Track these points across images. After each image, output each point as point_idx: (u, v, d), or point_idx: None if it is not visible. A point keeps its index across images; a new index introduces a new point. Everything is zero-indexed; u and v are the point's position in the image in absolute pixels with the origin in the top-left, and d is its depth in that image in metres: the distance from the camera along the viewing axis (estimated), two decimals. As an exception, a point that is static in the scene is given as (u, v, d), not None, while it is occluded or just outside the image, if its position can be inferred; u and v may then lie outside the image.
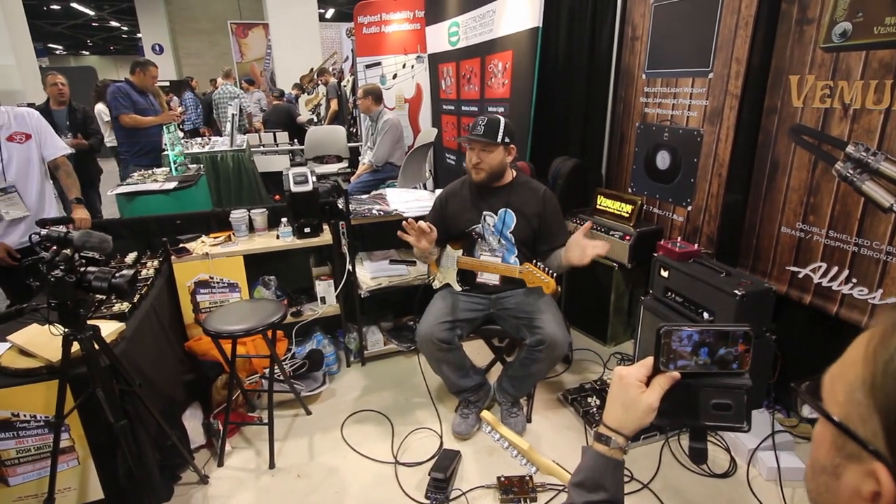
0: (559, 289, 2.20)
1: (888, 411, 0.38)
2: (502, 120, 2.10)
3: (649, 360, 0.77)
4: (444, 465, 1.97)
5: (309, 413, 2.43)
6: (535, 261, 2.06)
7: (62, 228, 1.42)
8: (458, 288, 2.25)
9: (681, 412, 0.75)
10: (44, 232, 1.41)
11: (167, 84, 12.45)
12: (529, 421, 2.34)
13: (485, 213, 2.20)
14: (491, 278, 2.23)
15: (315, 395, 2.53)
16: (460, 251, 2.23)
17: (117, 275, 1.42)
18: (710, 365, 0.74)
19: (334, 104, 7.23)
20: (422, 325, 2.15)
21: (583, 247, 1.90)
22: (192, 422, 2.21)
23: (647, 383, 0.76)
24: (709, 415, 0.74)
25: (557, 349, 2.06)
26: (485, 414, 1.17)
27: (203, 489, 2.01)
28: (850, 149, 1.87)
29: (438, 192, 2.45)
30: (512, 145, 2.13)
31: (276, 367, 2.23)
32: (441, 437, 2.25)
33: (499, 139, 2.08)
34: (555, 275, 2.03)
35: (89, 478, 1.72)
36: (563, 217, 2.29)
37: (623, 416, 0.77)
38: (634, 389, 0.76)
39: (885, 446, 0.38)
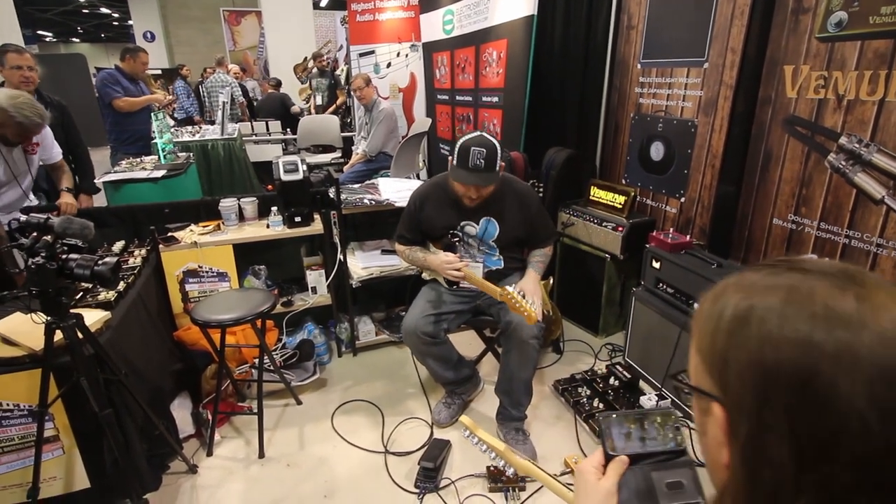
0: (546, 318, 2.06)
1: (708, 359, 0.48)
2: (497, 145, 1.91)
3: (601, 450, 0.81)
4: (434, 455, 1.97)
5: (299, 403, 2.43)
6: (518, 290, 1.89)
7: (43, 215, 1.39)
8: (444, 285, 2.23)
9: (642, 498, 0.77)
10: (23, 218, 1.38)
11: (159, 72, 12.29)
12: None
13: (463, 222, 2.10)
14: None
15: (306, 385, 2.52)
16: (441, 253, 2.15)
17: (100, 262, 1.39)
18: (653, 446, 0.78)
19: (342, 95, 7.11)
20: (407, 319, 2.11)
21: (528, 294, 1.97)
22: (181, 411, 2.19)
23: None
24: (666, 496, 0.75)
25: (525, 329, 1.95)
26: (463, 418, 1.21)
27: (192, 478, 2.00)
28: (843, 140, 1.86)
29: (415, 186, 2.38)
30: (503, 164, 1.98)
31: (265, 356, 2.22)
32: (431, 426, 2.25)
33: (496, 169, 1.93)
34: (537, 309, 1.88)
35: (75, 467, 1.71)
36: (554, 209, 2.24)
37: None
38: (592, 476, 0.79)
39: (717, 390, 0.47)
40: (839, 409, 0.39)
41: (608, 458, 0.79)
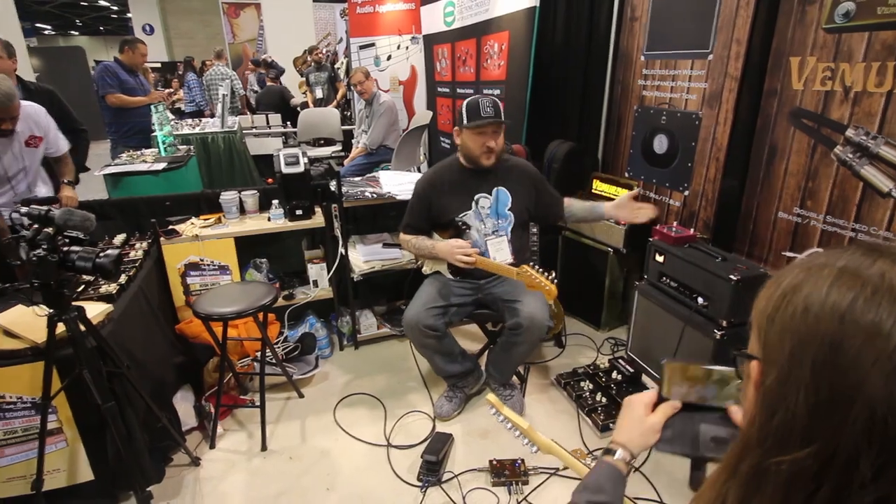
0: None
1: (758, 323, 0.51)
2: (495, 98, 2.09)
3: (655, 389, 0.85)
4: (437, 448, 1.97)
5: (301, 396, 2.42)
6: (531, 263, 1.95)
7: (43, 207, 1.38)
8: (448, 276, 2.23)
9: (682, 441, 0.81)
10: (24, 210, 1.37)
11: (158, 65, 12.21)
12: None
13: (477, 196, 2.15)
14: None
15: (308, 379, 2.52)
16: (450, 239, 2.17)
17: (101, 254, 1.38)
18: (709, 400, 0.80)
19: (342, 88, 7.09)
20: (409, 311, 2.11)
21: (634, 208, 2.10)
22: (184, 404, 2.19)
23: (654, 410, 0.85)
24: (707, 447, 0.79)
25: (534, 333, 2.03)
26: (490, 397, 1.24)
27: (195, 471, 2.00)
28: (849, 132, 1.85)
29: (416, 178, 2.39)
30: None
31: (267, 349, 2.22)
32: (433, 420, 2.25)
33: (503, 118, 2.06)
34: (556, 280, 1.90)
35: (78, 459, 1.71)
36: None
37: (628, 433, 0.84)
38: (639, 410, 0.84)
39: (759, 350, 0.51)
40: (860, 374, 0.42)
41: (661, 401, 0.83)
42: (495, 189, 2.15)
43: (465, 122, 2.05)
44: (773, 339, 0.49)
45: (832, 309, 0.45)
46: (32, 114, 2.33)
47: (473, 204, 2.15)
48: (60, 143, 2.48)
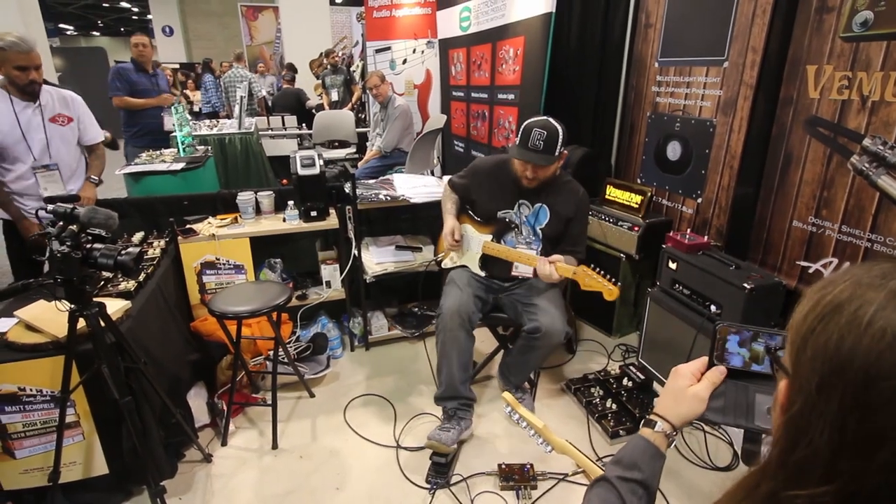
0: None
1: (792, 338, 0.48)
2: (560, 130, 1.96)
3: (704, 358, 0.80)
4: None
5: (312, 396, 2.45)
6: (591, 264, 1.90)
7: (69, 205, 1.42)
8: (479, 272, 2.23)
9: (736, 412, 0.77)
10: (50, 207, 1.41)
11: (177, 66, 12.42)
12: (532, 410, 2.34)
13: (521, 201, 2.15)
14: (526, 270, 2.14)
15: (319, 379, 2.54)
16: (489, 236, 2.18)
17: (123, 252, 1.42)
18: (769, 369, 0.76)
19: (357, 91, 7.17)
20: (450, 300, 2.07)
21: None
22: (197, 401, 2.23)
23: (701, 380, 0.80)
24: (763, 419, 0.75)
25: (553, 338, 2.01)
26: (505, 395, 1.25)
27: (206, 467, 2.03)
28: (866, 142, 1.83)
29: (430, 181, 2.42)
30: (565, 151, 2.03)
31: (280, 349, 2.24)
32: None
33: (556, 153, 1.98)
34: (619, 283, 1.85)
35: (94, 453, 1.74)
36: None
37: (671, 404, 0.79)
38: (684, 380, 0.79)
39: (791, 368, 0.48)
40: (893, 416, 0.38)
41: (711, 366, 0.79)
42: (538, 204, 2.14)
43: (516, 141, 2.02)
44: (804, 365, 0.45)
45: (874, 336, 0.39)
46: (67, 96, 2.45)
47: (517, 206, 2.17)
48: (93, 131, 2.54)
